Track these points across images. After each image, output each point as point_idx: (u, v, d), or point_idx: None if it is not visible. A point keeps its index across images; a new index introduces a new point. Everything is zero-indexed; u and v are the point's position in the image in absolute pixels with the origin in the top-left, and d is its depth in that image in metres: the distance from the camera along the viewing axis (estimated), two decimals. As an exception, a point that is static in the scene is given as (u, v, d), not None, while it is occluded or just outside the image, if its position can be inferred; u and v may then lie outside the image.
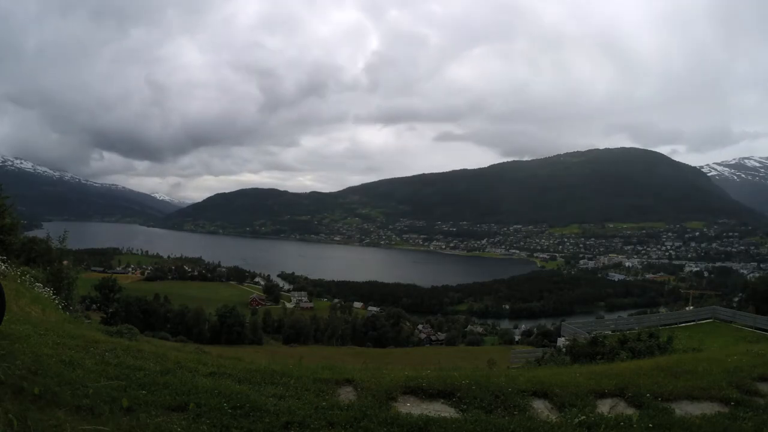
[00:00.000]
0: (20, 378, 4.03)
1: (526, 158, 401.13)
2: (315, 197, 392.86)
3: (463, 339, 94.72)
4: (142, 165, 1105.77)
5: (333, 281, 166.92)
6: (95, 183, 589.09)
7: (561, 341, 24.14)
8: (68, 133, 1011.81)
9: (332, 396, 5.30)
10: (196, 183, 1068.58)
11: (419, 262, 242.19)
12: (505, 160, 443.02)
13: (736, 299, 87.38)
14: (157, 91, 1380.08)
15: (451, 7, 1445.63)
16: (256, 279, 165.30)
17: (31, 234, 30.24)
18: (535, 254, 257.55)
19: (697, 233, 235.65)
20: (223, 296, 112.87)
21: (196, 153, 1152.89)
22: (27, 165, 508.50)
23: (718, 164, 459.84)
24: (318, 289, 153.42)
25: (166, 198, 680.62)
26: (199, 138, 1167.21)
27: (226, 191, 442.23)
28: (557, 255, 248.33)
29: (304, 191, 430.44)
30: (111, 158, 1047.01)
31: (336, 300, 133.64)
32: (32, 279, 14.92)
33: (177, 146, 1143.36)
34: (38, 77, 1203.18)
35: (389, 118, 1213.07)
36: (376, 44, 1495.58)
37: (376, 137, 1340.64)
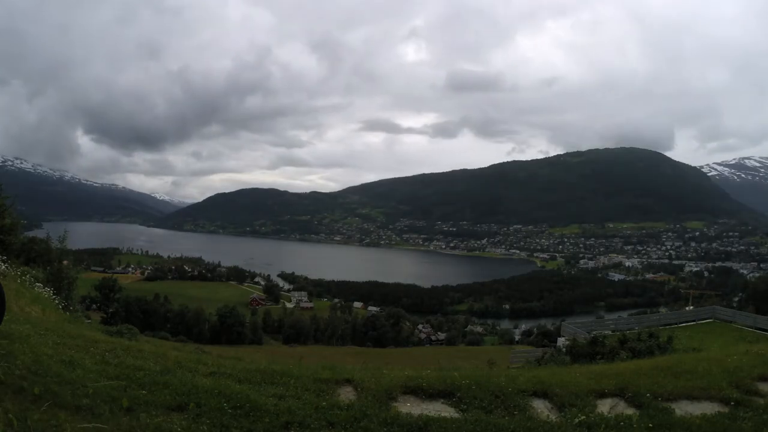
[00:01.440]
0: (20, 378, 4.03)
1: (582, 149, 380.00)
2: (315, 197, 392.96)
3: (463, 339, 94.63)
4: (143, 162, 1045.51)
5: (333, 281, 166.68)
6: (95, 183, 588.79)
7: (561, 341, 24.20)
8: (55, 114, 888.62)
9: (332, 396, 5.31)
10: (201, 182, 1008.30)
11: (419, 262, 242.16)
12: (557, 153, 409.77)
13: (736, 299, 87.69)
14: (166, 53, 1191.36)
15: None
16: (256, 279, 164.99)
17: (31, 234, 30.26)
18: (535, 254, 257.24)
19: (697, 233, 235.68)
20: (223, 296, 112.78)
21: (205, 145, 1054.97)
22: (27, 165, 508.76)
23: (718, 164, 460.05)
24: (318, 289, 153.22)
25: (166, 198, 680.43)
26: (214, 119, 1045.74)
27: (226, 191, 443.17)
28: (557, 255, 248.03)
29: (307, 191, 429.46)
30: (108, 151, 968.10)
31: (336, 300, 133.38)
32: (32, 279, 14.96)
33: (182, 134, 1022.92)
34: (12, 40, 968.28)
35: (444, 87, 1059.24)
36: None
37: (414, 122, 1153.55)
